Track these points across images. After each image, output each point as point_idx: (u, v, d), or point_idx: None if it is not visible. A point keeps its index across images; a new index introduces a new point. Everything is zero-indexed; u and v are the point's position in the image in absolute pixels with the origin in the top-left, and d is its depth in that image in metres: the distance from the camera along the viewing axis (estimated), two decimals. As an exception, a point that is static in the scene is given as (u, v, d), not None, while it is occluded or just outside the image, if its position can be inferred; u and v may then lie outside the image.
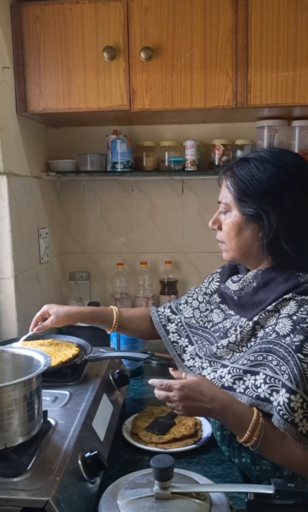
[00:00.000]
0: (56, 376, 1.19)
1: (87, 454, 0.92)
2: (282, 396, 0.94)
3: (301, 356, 0.94)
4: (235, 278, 1.17)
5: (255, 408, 0.98)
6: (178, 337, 1.27)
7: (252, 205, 1.05)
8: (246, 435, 0.95)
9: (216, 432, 1.13)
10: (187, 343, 1.25)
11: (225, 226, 1.12)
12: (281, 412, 0.93)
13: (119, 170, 1.93)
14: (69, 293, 2.15)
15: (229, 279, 1.19)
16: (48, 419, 1.00)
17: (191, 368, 1.18)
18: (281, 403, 0.94)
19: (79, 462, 0.90)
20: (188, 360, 1.21)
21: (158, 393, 1.00)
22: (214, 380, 1.07)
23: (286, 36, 1.57)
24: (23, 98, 1.67)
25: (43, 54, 1.64)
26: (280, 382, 0.96)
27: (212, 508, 0.81)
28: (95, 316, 1.34)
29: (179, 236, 2.16)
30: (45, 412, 1.00)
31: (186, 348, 1.24)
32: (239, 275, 1.18)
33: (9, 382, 0.85)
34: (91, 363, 1.29)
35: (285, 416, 0.93)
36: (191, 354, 1.22)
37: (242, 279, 1.12)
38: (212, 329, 1.23)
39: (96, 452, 0.93)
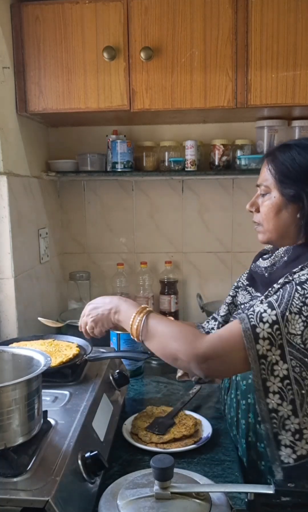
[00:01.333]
0: (56, 376, 1.19)
1: (87, 454, 0.92)
2: (260, 307, 0.96)
3: (299, 288, 0.96)
4: (265, 256, 1.20)
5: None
6: None
7: (293, 187, 1.08)
8: (132, 317, 1.07)
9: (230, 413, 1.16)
10: None
11: (264, 207, 1.14)
12: (250, 315, 0.95)
13: (119, 170, 1.93)
14: (69, 293, 2.15)
15: (260, 258, 1.22)
16: (48, 419, 1.00)
17: None
18: (256, 310, 0.96)
19: (79, 462, 0.90)
20: None
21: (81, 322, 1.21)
22: None
23: (286, 36, 1.57)
24: (23, 98, 1.67)
25: (43, 54, 1.64)
26: (267, 300, 0.98)
27: (212, 508, 0.81)
28: None
29: (179, 236, 2.16)
30: (45, 412, 1.00)
31: None
32: (269, 253, 1.21)
33: (9, 382, 0.85)
34: (91, 363, 1.29)
35: (251, 318, 0.94)
36: None
37: (274, 254, 1.16)
38: None
39: (96, 452, 0.93)
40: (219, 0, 1.57)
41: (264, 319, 0.94)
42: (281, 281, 1.02)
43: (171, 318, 1.15)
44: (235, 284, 1.33)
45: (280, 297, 0.96)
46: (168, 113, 1.75)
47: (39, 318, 1.40)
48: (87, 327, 1.21)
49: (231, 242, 2.13)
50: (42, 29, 1.63)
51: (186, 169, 1.92)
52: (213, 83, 1.61)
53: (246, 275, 1.29)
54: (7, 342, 1.35)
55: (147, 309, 1.09)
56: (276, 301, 0.96)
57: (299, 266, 1.02)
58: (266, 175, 1.13)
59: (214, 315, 1.37)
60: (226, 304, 1.32)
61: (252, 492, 0.80)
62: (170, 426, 1.22)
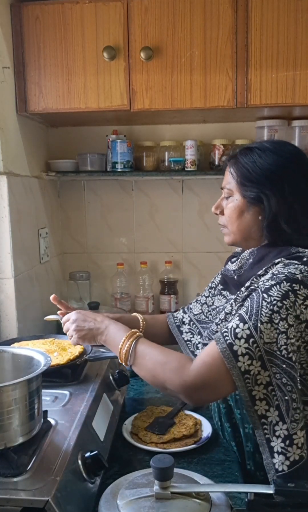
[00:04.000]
0: (56, 376, 1.19)
1: (87, 454, 0.92)
2: (233, 322, 0.96)
3: (265, 296, 0.96)
4: (233, 259, 1.21)
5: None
6: (191, 336, 1.29)
7: (253, 189, 1.10)
8: (121, 342, 1.06)
9: (225, 424, 1.15)
10: (200, 339, 1.27)
11: (227, 210, 1.16)
12: (224, 333, 0.95)
13: (119, 170, 1.93)
14: (69, 293, 2.15)
15: (229, 261, 1.24)
16: (48, 419, 1.00)
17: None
18: (229, 326, 0.96)
19: (79, 462, 0.90)
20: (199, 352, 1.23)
21: (64, 325, 1.17)
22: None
23: (286, 36, 1.57)
24: (23, 98, 1.67)
25: (43, 54, 1.64)
26: (238, 313, 0.98)
27: (212, 508, 0.81)
28: (125, 324, 1.33)
29: (179, 236, 2.16)
30: (45, 412, 1.00)
31: (198, 345, 1.26)
32: (237, 256, 1.22)
33: (9, 382, 0.85)
34: (91, 363, 1.29)
35: (226, 337, 0.94)
36: (202, 347, 1.23)
37: (239, 257, 1.17)
38: (214, 322, 1.25)
39: (96, 452, 0.93)
40: (219, 0, 1.57)
41: (239, 335, 0.94)
42: (247, 284, 1.04)
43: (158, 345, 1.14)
44: (209, 284, 1.34)
45: (249, 308, 0.96)
46: (168, 113, 1.75)
47: (45, 318, 1.38)
48: (71, 339, 1.17)
49: (231, 242, 2.13)
50: (42, 29, 1.63)
51: (186, 169, 1.92)
52: (213, 83, 1.61)
53: (220, 278, 1.30)
54: (7, 342, 1.35)
55: (137, 334, 1.08)
56: (246, 314, 0.96)
57: (263, 268, 1.04)
58: (229, 178, 1.15)
59: (184, 308, 1.37)
60: (200, 303, 1.33)
61: (252, 492, 0.80)
62: (170, 426, 1.22)
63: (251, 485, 0.85)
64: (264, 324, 0.93)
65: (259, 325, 0.93)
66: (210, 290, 1.33)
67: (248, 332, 0.94)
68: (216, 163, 1.95)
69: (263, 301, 0.95)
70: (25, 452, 0.88)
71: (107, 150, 1.96)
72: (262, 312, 0.94)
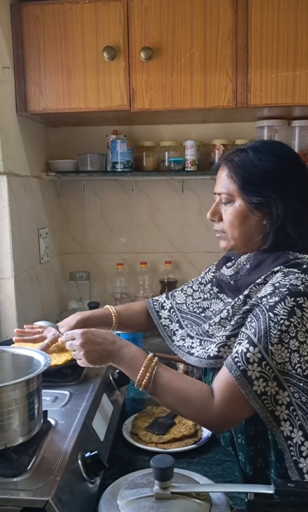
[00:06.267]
0: (56, 376, 1.19)
1: (87, 454, 0.92)
2: (242, 346, 0.95)
3: (271, 315, 0.95)
4: (229, 264, 1.19)
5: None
6: (169, 322, 1.29)
7: (258, 194, 1.06)
8: (140, 372, 1.00)
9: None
10: (178, 327, 1.27)
11: (228, 216, 1.12)
12: (236, 359, 0.94)
13: (119, 170, 1.93)
14: (69, 293, 2.15)
15: (224, 265, 1.22)
16: (48, 419, 1.00)
17: (180, 347, 1.20)
18: (239, 351, 0.95)
19: (79, 462, 0.90)
20: (178, 340, 1.23)
21: (66, 344, 1.07)
22: (201, 355, 1.08)
23: (286, 36, 1.57)
24: (23, 98, 1.67)
25: (43, 54, 1.64)
26: (245, 335, 0.97)
27: (212, 508, 0.81)
28: (93, 322, 1.30)
29: (179, 236, 2.16)
30: (45, 412, 1.00)
31: (176, 332, 1.26)
32: (232, 261, 1.21)
33: (9, 382, 0.85)
34: (91, 363, 1.29)
35: (238, 364, 0.93)
36: (181, 336, 1.23)
37: (236, 263, 1.15)
38: (203, 315, 1.25)
39: (96, 452, 0.92)
40: (219, 0, 1.57)
41: (250, 360, 0.93)
42: (246, 292, 1.04)
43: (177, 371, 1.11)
44: (199, 279, 1.33)
45: (257, 330, 0.95)
46: (168, 113, 1.75)
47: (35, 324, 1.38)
48: (79, 362, 1.08)
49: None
50: (42, 29, 1.63)
51: (186, 169, 1.92)
52: (213, 83, 1.61)
53: (212, 279, 1.28)
54: (7, 342, 1.35)
55: (154, 361, 1.02)
56: (255, 336, 0.94)
57: (262, 277, 1.02)
58: (226, 183, 1.10)
59: (168, 294, 1.36)
60: (185, 294, 1.32)
61: (252, 492, 0.80)
62: (170, 426, 1.22)
63: (251, 485, 0.85)
64: (275, 346, 0.93)
65: (269, 347, 0.92)
66: (199, 285, 1.32)
67: (259, 355, 0.93)
68: (216, 163, 1.95)
69: (271, 321, 0.94)
70: (25, 452, 0.88)
71: (107, 150, 1.96)
72: (271, 333, 0.93)
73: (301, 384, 0.92)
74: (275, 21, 1.56)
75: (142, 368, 1.01)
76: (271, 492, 0.78)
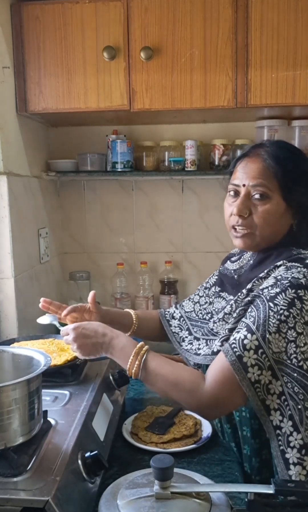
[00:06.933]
0: (56, 376, 1.19)
1: (87, 454, 0.92)
2: (240, 333, 0.96)
3: (271, 305, 0.95)
4: (233, 258, 1.20)
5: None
6: (179, 330, 1.30)
7: (297, 194, 1.05)
8: (130, 359, 1.02)
9: (224, 425, 1.15)
10: (187, 335, 1.27)
11: (262, 213, 1.04)
12: (233, 345, 0.95)
13: (119, 170, 1.93)
14: (69, 293, 2.15)
15: (228, 260, 1.23)
16: (48, 419, 1.00)
17: (188, 350, 1.20)
18: (237, 338, 0.95)
19: (79, 462, 0.90)
20: (187, 345, 1.23)
21: (64, 339, 1.11)
22: (206, 353, 1.08)
23: (286, 36, 1.57)
24: (23, 98, 1.67)
25: (43, 54, 1.64)
26: (245, 324, 0.97)
27: (212, 508, 0.81)
28: (115, 319, 1.31)
29: (179, 236, 2.16)
30: (45, 412, 1.00)
31: (185, 338, 1.27)
32: (237, 255, 1.22)
33: (9, 382, 0.85)
34: (91, 363, 1.29)
35: (235, 349, 0.94)
36: (190, 340, 1.24)
37: (241, 257, 1.16)
38: (211, 320, 1.24)
39: (96, 452, 0.93)
40: (219, 0, 1.57)
41: (247, 346, 0.94)
42: (249, 286, 1.04)
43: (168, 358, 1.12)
44: (204, 284, 1.33)
45: (256, 318, 0.96)
46: (168, 113, 1.75)
47: (38, 320, 1.38)
48: (76, 354, 1.11)
49: (231, 242, 2.13)
50: (42, 29, 1.63)
51: (186, 169, 1.92)
52: (213, 83, 1.61)
53: (216, 279, 1.28)
54: (7, 342, 1.35)
55: (144, 349, 1.04)
56: (254, 324, 0.95)
57: (265, 271, 1.03)
58: (266, 176, 1.03)
59: (177, 305, 1.37)
60: (193, 302, 1.32)
61: (252, 492, 0.79)
62: (170, 426, 1.21)
63: (251, 485, 0.85)
64: (272, 335, 0.93)
65: (267, 335, 0.93)
66: (205, 290, 1.32)
67: (256, 343, 0.93)
68: (216, 163, 1.95)
69: (270, 311, 0.95)
70: (25, 452, 0.88)
71: (107, 150, 1.96)
72: (270, 322, 0.94)
73: (295, 374, 0.92)
74: (275, 21, 1.56)
75: (132, 357, 1.03)
76: (271, 492, 0.78)
